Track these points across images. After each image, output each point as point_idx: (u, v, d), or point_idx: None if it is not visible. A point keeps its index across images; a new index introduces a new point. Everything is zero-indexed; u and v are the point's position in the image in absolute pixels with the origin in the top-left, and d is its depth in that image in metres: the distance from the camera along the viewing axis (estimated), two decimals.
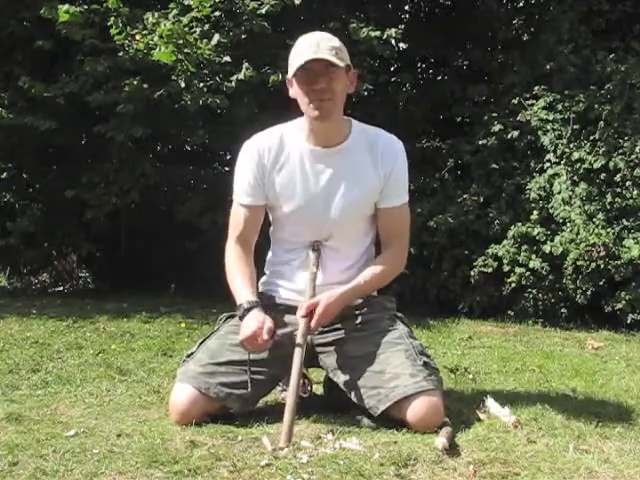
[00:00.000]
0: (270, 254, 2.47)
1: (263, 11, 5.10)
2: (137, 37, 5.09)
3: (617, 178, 4.95)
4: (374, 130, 2.37)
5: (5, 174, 6.34)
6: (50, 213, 6.40)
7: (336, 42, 2.23)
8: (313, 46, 2.17)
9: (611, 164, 4.96)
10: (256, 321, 2.13)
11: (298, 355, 2.11)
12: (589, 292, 4.87)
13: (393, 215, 2.34)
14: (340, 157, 2.28)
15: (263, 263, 2.48)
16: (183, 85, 5.09)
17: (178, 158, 6.53)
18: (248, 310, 2.17)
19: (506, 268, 5.09)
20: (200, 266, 6.05)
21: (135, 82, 5.09)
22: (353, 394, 2.19)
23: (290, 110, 2.42)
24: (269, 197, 2.32)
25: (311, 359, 2.22)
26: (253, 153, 2.31)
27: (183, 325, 4.33)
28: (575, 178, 5.08)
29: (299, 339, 2.14)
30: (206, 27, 5.17)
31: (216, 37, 5.04)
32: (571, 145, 5.17)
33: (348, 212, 2.30)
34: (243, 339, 2.13)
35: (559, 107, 5.32)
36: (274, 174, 2.29)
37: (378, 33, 5.20)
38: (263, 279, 2.47)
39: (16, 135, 5.70)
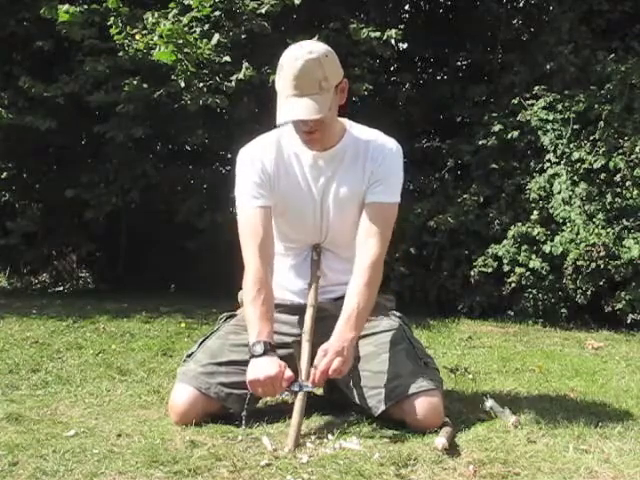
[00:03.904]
0: None
1: (263, 11, 5.10)
2: (137, 37, 5.09)
3: (617, 178, 4.96)
4: (369, 131, 2.33)
5: (5, 174, 6.35)
6: (50, 213, 6.41)
7: (322, 64, 2.10)
8: (296, 86, 2.08)
9: (611, 164, 4.96)
10: (276, 365, 2.02)
11: (305, 355, 2.10)
12: (589, 292, 4.88)
13: (375, 210, 2.24)
14: (334, 159, 2.27)
15: None
16: (183, 85, 5.09)
17: (178, 158, 6.54)
18: (263, 353, 2.05)
19: (506, 268, 5.10)
20: (200, 266, 6.06)
21: (135, 82, 5.09)
22: (353, 394, 2.18)
23: None
24: (274, 201, 2.30)
25: (312, 359, 2.21)
26: (255, 160, 2.27)
27: (183, 325, 4.33)
28: (575, 178, 5.09)
29: (305, 337, 2.15)
30: (206, 27, 5.17)
31: (216, 37, 5.04)
32: (571, 145, 5.18)
33: (339, 214, 2.28)
34: (256, 380, 2.02)
35: (559, 107, 5.33)
36: (277, 180, 2.27)
37: (378, 34, 5.21)
38: None
39: (16, 135, 5.70)
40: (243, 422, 2.09)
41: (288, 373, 2.03)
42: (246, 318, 2.17)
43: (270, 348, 2.07)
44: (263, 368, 2.02)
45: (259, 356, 2.05)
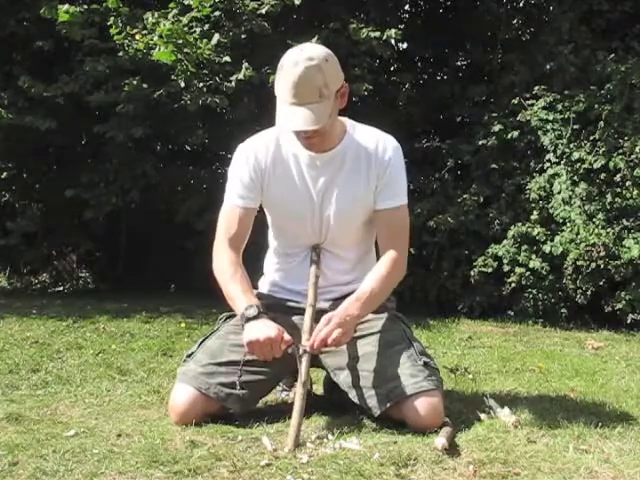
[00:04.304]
0: (268, 256, 2.47)
1: (263, 11, 5.10)
2: (137, 37, 5.10)
3: (617, 178, 4.96)
4: (370, 131, 2.32)
5: (5, 174, 6.35)
6: (50, 213, 6.41)
7: (322, 70, 2.08)
8: (295, 95, 2.07)
9: (611, 164, 4.96)
10: (275, 328, 2.05)
11: (305, 361, 2.10)
12: (589, 292, 4.88)
13: (390, 217, 2.29)
14: (333, 161, 2.26)
15: (257, 264, 2.47)
16: (183, 85, 5.09)
17: (178, 158, 6.53)
18: (257, 315, 2.08)
19: (506, 268, 5.10)
20: (200, 266, 6.04)
21: (135, 82, 5.09)
22: (353, 394, 2.18)
23: None
24: (268, 200, 2.31)
25: (312, 358, 2.21)
26: (249, 157, 2.27)
27: (183, 325, 4.33)
28: (575, 178, 5.09)
29: (305, 345, 2.13)
30: (206, 27, 5.18)
31: (216, 37, 5.05)
32: (571, 145, 5.18)
33: (342, 216, 2.28)
34: (255, 341, 2.04)
35: (559, 107, 5.33)
36: (272, 178, 2.27)
37: (378, 34, 5.21)
38: (262, 280, 2.47)
39: (16, 135, 5.71)
40: (237, 385, 2.12)
41: (287, 336, 2.06)
42: (228, 295, 2.20)
43: (263, 312, 2.10)
44: (262, 330, 2.05)
45: (254, 318, 2.08)
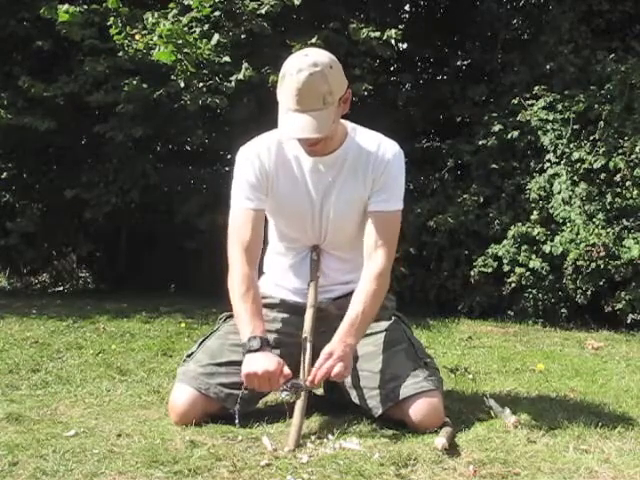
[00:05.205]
0: (268, 255, 2.46)
1: (263, 11, 5.10)
2: (137, 37, 5.10)
3: (617, 178, 4.96)
4: (372, 135, 2.30)
5: (5, 174, 6.35)
6: (50, 213, 6.41)
7: (326, 77, 2.05)
8: (298, 102, 2.04)
9: (611, 164, 4.96)
10: (275, 361, 2.03)
11: (307, 356, 2.10)
12: (589, 292, 4.88)
13: (380, 220, 2.24)
14: (335, 164, 2.25)
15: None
16: (182, 85, 5.09)
17: (178, 158, 6.54)
18: (260, 348, 2.05)
19: (506, 268, 5.10)
20: (200, 266, 6.06)
21: (135, 82, 5.10)
22: (353, 394, 2.18)
23: None
24: (271, 202, 2.29)
25: (312, 359, 2.21)
26: (254, 159, 2.25)
27: (183, 325, 4.33)
28: (575, 178, 5.09)
29: (307, 337, 2.14)
30: (206, 27, 5.18)
31: (216, 37, 5.05)
32: (571, 145, 5.18)
33: (340, 218, 2.27)
34: (253, 374, 2.01)
35: (559, 107, 5.33)
36: (276, 179, 2.26)
37: (378, 34, 5.20)
38: (262, 279, 2.47)
39: (16, 135, 5.71)
40: (237, 416, 2.09)
41: (286, 370, 2.03)
42: (236, 313, 2.16)
43: (266, 344, 2.07)
44: (262, 363, 2.02)
45: (256, 351, 2.04)
